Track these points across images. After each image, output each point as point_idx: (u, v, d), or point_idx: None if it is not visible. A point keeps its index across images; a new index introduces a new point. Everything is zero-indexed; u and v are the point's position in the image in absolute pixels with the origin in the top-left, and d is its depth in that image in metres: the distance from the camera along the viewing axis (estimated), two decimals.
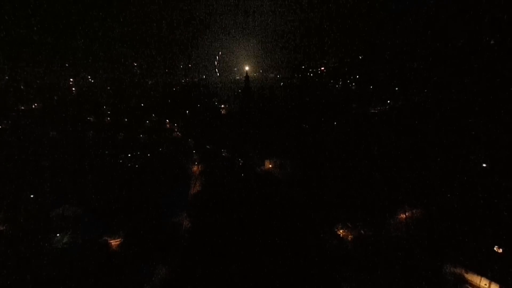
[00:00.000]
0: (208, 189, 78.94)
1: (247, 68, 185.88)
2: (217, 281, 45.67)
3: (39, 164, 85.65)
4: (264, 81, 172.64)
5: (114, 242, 59.62)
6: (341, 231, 56.70)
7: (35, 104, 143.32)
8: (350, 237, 55.11)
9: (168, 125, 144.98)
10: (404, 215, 56.73)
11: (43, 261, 52.89)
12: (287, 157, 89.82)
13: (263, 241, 52.58)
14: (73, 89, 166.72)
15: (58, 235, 61.19)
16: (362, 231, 55.23)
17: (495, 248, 43.74)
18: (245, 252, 50.55)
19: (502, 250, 43.11)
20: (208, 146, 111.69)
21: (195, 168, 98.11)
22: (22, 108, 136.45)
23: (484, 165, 59.70)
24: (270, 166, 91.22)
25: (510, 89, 72.27)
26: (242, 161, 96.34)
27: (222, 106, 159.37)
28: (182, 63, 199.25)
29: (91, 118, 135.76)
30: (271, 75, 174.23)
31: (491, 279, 40.38)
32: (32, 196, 73.32)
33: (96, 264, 51.34)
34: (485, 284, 40.91)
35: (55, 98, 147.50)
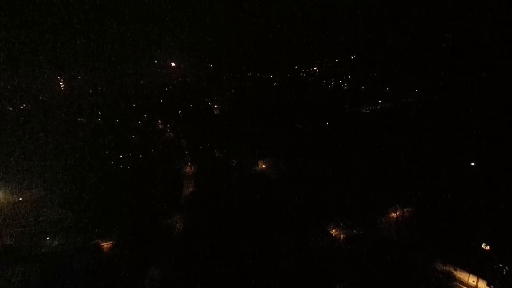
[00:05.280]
0: (201, 190, 78.70)
1: (240, 68, 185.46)
2: (211, 282, 45.61)
3: (28, 166, 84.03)
4: (257, 81, 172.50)
5: (106, 245, 58.94)
6: (333, 230, 57.21)
7: (24, 105, 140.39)
8: (342, 236, 55.64)
9: (160, 126, 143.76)
10: (395, 215, 57.57)
11: (33, 265, 52.14)
12: (280, 157, 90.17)
13: (256, 242, 52.75)
14: (63, 89, 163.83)
15: (48, 238, 60.18)
16: (354, 230, 55.86)
17: (482, 245, 44.78)
18: (238, 252, 50.61)
19: (490, 247, 44.17)
20: (201, 147, 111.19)
21: (188, 169, 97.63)
22: (10, 109, 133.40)
23: (472, 164, 60.99)
24: (264, 166, 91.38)
25: (498, 91, 74.04)
26: (235, 162, 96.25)
27: (215, 106, 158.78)
28: (174, 63, 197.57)
29: (82, 119, 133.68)
30: (264, 75, 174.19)
31: (479, 276, 41.34)
32: (20, 199, 72.02)
33: (87, 267, 50.76)
34: (473, 281, 41.85)
35: (44, 98, 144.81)
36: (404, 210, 57.32)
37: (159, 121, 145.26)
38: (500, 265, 41.05)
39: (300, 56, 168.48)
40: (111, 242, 59.30)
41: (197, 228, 60.42)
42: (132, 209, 66.83)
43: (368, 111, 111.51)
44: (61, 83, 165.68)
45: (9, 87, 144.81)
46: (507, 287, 39.19)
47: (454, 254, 44.50)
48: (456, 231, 47.23)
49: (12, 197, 71.97)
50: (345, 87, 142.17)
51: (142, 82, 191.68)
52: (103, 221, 63.46)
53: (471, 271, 42.26)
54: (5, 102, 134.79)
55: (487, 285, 40.62)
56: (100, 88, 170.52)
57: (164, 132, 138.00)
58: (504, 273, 40.32)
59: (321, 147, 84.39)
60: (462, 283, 42.71)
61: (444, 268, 44.30)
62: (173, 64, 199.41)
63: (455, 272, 43.60)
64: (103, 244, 58.92)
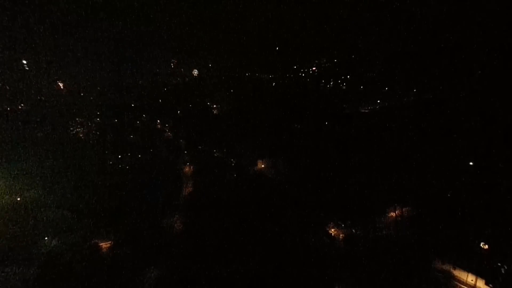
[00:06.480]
0: (200, 190, 78.66)
1: (239, 68, 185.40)
2: (210, 282, 45.54)
3: (27, 166, 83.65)
4: (256, 81, 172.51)
5: (105, 245, 58.79)
6: (332, 230, 57.28)
7: (22, 105, 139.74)
8: (341, 236, 55.70)
9: (159, 126, 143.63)
10: (394, 214, 57.65)
11: (32, 265, 51.97)
12: (279, 157, 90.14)
13: (255, 241, 52.74)
14: (62, 89, 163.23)
15: (46, 238, 59.94)
16: (353, 230, 55.93)
17: (481, 245, 44.91)
18: (238, 252, 50.59)
19: (488, 246, 44.30)
20: (200, 147, 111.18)
21: (186, 169, 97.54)
22: (8, 108, 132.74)
23: (470, 163, 61.11)
24: (263, 166, 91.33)
25: (497, 91, 74.12)
26: (234, 162, 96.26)
27: (214, 106, 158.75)
28: (172, 62, 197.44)
29: (80, 119, 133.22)
30: (263, 75, 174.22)
31: (478, 275, 41.44)
32: (19, 199, 71.71)
33: (86, 267, 50.60)
34: (472, 280, 41.95)
35: (43, 98, 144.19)
36: (403, 209, 57.40)
37: (158, 121, 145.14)
38: (499, 264, 41.17)
39: (299, 56, 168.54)
40: (110, 242, 59.17)
41: (196, 228, 60.41)
42: (130, 208, 66.66)
43: (367, 111, 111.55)
44: (59, 83, 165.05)
45: (7, 87, 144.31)
46: (505, 286, 39.29)
47: (453, 253, 44.60)
48: (454, 230, 47.36)
49: (11, 197, 71.66)
50: (344, 87, 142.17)
51: (140, 82, 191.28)
52: (102, 221, 63.37)
53: (470, 270, 42.36)
54: (3, 102, 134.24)
55: (486, 284, 40.70)
56: (99, 88, 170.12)
57: (163, 132, 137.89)
58: (502, 272, 40.45)
59: (320, 147, 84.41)
60: (461, 282, 42.81)
61: (443, 267, 44.40)
62: (172, 64, 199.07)
63: (454, 271, 43.70)
64: (102, 244, 58.77)
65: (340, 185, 66.08)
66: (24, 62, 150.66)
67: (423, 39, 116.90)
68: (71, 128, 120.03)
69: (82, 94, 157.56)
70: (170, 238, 60.16)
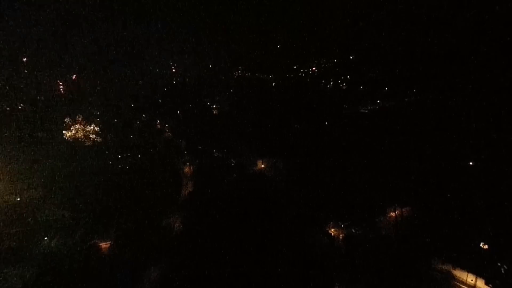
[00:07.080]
0: (200, 190, 78.60)
1: (239, 68, 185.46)
2: (210, 282, 45.51)
3: (27, 166, 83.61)
4: (256, 81, 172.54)
5: (105, 245, 58.77)
6: (332, 230, 57.26)
7: (22, 105, 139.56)
8: (341, 236, 55.69)
9: (158, 126, 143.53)
10: (394, 214, 57.64)
11: (31, 265, 51.95)
12: (279, 157, 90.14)
13: (255, 241, 52.69)
14: (61, 89, 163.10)
15: (46, 238, 59.92)
16: (353, 230, 55.92)
17: (481, 245, 44.92)
18: (238, 252, 50.55)
19: (488, 246, 44.31)
20: (200, 147, 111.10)
21: (186, 169, 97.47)
22: (8, 109, 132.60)
23: (470, 163, 61.10)
24: (263, 166, 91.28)
25: (497, 91, 74.12)
26: (234, 162, 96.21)
27: (214, 106, 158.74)
28: (172, 62, 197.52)
29: (80, 119, 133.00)
30: (263, 75, 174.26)
31: (477, 274, 41.45)
32: (19, 199, 71.69)
33: (86, 267, 50.57)
34: (472, 280, 41.98)
35: (43, 98, 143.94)
36: (403, 209, 57.41)
37: (158, 121, 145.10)
38: (499, 264, 41.20)
39: (299, 56, 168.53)
40: (110, 242, 59.14)
41: (196, 228, 60.36)
42: (130, 209, 66.63)
43: (366, 111, 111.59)
44: (59, 83, 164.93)
45: (7, 87, 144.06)
46: (505, 286, 39.30)
47: (452, 253, 44.62)
48: (454, 230, 47.38)
49: (10, 197, 71.63)
50: (344, 87, 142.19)
51: (140, 82, 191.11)
52: (101, 221, 63.35)
53: (469, 270, 42.38)
54: (3, 102, 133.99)
55: (486, 284, 40.74)
56: (98, 88, 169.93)
57: (163, 132, 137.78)
58: (502, 272, 40.47)
59: (320, 147, 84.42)
60: (461, 282, 42.85)
61: (443, 267, 44.43)
62: (171, 64, 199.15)
63: (453, 271, 43.74)
64: (101, 244, 58.75)
65: (340, 185, 66.09)
66: (24, 59, 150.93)
67: (423, 39, 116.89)
68: (71, 128, 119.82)
69: (81, 94, 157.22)
70: (170, 238, 60.11)
